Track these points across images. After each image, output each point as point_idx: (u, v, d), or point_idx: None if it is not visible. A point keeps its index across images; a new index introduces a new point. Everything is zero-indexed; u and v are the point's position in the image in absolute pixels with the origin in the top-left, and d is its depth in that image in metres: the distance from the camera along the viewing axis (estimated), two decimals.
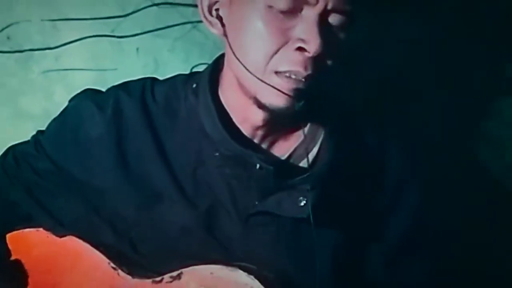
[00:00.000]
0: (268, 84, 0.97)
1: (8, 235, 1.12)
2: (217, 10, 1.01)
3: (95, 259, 1.08)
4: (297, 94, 0.96)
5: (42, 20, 1.36)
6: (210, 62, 1.09)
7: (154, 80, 1.13)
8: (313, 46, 0.94)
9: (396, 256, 1.12)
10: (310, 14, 0.94)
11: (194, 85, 1.08)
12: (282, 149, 1.07)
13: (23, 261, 1.12)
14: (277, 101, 0.97)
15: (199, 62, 1.31)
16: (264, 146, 1.07)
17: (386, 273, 1.11)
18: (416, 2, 1.34)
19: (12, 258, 1.11)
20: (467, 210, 1.34)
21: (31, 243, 1.12)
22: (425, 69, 1.36)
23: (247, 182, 1.03)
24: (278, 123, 1.04)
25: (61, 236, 1.10)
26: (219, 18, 1.01)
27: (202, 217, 1.04)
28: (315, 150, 1.07)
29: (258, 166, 1.01)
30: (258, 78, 0.97)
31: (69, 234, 1.10)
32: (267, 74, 0.97)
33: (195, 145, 1.06)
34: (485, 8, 1.37)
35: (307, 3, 0.94)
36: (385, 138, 1.14)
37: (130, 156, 1.06)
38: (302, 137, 1.07)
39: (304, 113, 1.01)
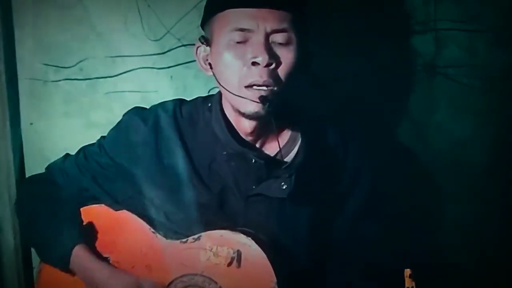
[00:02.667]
0: (242, 97, 1.03)
1: (82, 209, 1.18)
2: (207, 60, 1.08)
3: (140, 226, 1.13)
4: (263, 99, 1.02)
5: (105, 56, 1.39)
6: None
7: (182, 100, 1.19)
8: (262, 58, 1.00)
9: (354, 222, 1.17)
10: (256, 38, 1.01)
11: (209, 104, 1.15)
12: (272, 149, 1.13)
13: (91, 227, 1.17)
14: (250, 108, 1.03)
15: (214, 87, 1.33)
16: (258, 146, 1.12)
17: (348, 232, 1.16)
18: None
19: (84, 224, 1.16)
20: (402, 188, 1.38)
21: (97, 214, 1.17)
22: (373, 90, 1.39)
23: (246, 172, 1.10)
24: (263, 128, 1.09)
25: (116, 210, 1.16)
26: (210, 65, 1.08)
27: (215, 197, 1.12)
28: (295, 150, 1.12)
29: (253, 160, 1.08)
30: (234, 94, 1.03)
31: (122, 209, 1.16)
32: (240, 90, 1.03)
33: (209, 146, 1.12)
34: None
35: (252, 32, 1.01)
36: (345, 140, 1.18)
37: (164, 154, 1.13)
38: (286, 140, 1.13)
39: (278, 118, 1.04)
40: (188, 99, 1.21)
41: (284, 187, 1.07)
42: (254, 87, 1.02)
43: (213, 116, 1.12)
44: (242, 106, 1.05)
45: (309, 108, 1.17)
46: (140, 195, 1.14)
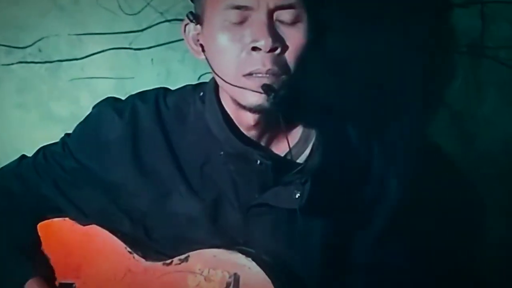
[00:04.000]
0: (240, 87, 1.00)
1: (39, 224, 1.16)
2: (198, 40, 1.06)
3: (113, 245, 1.12)
4: (266, 89, 0.98)
5: (69, 34, 1.38)
6: None
7: (166, 89, 1.15)
8: (264, 42, 0.97)
9: (379, 242, 1.15)
10: (256, 17, 0.98)
11: (201, 93, 1.11)
12: (280, 149, 1.10)
13: (52, 246, 1.15)
14: (252, 100, 1.00)
15: (206, 72, 1.30)
16: (263, 144, 1.09)
17: (371, 255, 1.14)
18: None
19: (42, 244, 1.14)
20: (439, 201, 1.37)
21: (58, 230, 1.15)
22: (403, 76, 1.38)
23: (248, 177, 1.06)
24: (269, 122, 1.06)
25: (84, 225, 1.13)
26: (201, 46, 1.05)
27: (208, 209, 1.07)
28: (308, 150, 1.09)
29: (258, 161, 1.04)
30: (231, 84, 1.00)
31: (91, 223, 1.13)
32: (238, 79, 1.00)
33: (202, 145, 1.09)
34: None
35: (251, 9, 0.98)
36: (368, 139, 1.16)
37: (144, 155, 1.09)
38: (297, 139, 1.10)
39: (287, 112, 1.02)
40: (173, 88, 1.18)
41: (296, 196, 1.04)
42: (255, 74, 0.99)
43: (207, 108, 1.09)
44: (242, 98, 1.02)
45: (324, 99, 1.15)
46: (114, 205, 1.12)
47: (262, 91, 0.99)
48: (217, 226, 1.08)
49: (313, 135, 1.10)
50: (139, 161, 1.10)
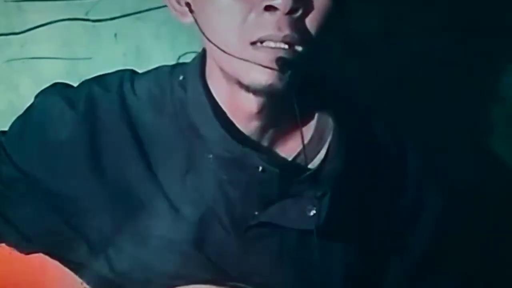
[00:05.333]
0: (246, 60, 0.95)
1: None
2: None
3: (66, 279, 1.07)
4: (281, 64, 0.94)
5: (5, 0, 1.34)
6: (199, 50, 1.07)
7: (133, 72, 1.11)
8: (281, 0, 0.93)
9: (419, 271, 1.12)
10: None
11: (181, 77, 1.07)
12: (286, 150, 1.06)
13: None
14: (261, 77, 0.96)
15: (187, 51, 1.29)
16: (265, 143, 1.06)
17: None
18: None
19: None
20: (495, 214, 1.36)
21: None
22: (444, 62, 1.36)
23: (246, 188, 1.02)
24: (275, 111, 1.03)
25: (27, 253, 1.07)
26: (188, 5, 1.02)
27: (192, 230, 1.03)
28: (323, 151, 1.06)
29: (260, 168, 1.00)
30: (234, 56, 0.96)
31: (36, 251, 1.07)
32: (242, 48, 0.96)
33: (183, 146, 1.05)
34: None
35: None
36: (402, 139, 1.13)
37: (106, 160, 1.05)
38: (309, 137, 1.06)
39: (301, 98, 0.98)
40: (143, 71, 1.13)
41: (311, 213, 1.00)
42: (266, 43, 0.95)
43: (190, 96, 1.04)
44: (245, 75, 0.96)
45: (345, 84, 1.13)
46: (66, 227, 1.05)
47: (276, 67, 0.94)
48: (205, 253, 1.04)
49: (329, 131, 1.06)
50: (99, 168, 1.05)
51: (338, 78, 1.10)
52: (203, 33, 0.99)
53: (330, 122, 1.06)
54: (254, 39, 0.95)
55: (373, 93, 1.21)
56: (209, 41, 0.98)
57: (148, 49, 1.36)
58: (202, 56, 1.06)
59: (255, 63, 0.95)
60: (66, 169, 1.05)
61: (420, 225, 1.12)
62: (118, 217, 1.04)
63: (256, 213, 1.02)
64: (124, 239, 1.04)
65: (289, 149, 1.06)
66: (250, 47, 0.95)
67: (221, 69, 1.01)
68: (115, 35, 1.36)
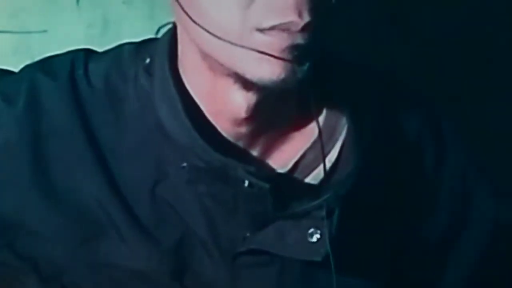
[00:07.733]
0: (250, 49, 0.81)
1: None
2: None
3: None
4: (298, 54, 0.83)
5: None
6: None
7: (88, 53, 0.98)
8: None
9: None
10: None
11: (148, 60, 0.94)
12: (281, 159, 0.94)
13: None
14: (270, 71, 0.82)
15: (169, 22, 1.15)
16: (254, 152, 0.93)
17: None
18: None
19: None
20: None
21: None
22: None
23: (232, 204, 0.90)
24: (272, 108, 0.91)
25: None
26: None
27: (167, 257, 0.91)
28: (333, 156, 0.92)
29: (247, 182, 0.87)
30: (234, 43, 0.83)
31: None
32: (246, 35, 0.82)
33: (151, 151, 0.92)
34: None
35: None
36: (439, 132, 1.01)
37: (54, 171, 0.92)
38: (313, 137, 0.93)
39: (316, 90, 0.90)
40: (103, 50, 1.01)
41: (314, 239, 0.90)
42: (277, 28, 0.84)
43: (157, 86, 0.93)
44: (250, 67, 0.84)
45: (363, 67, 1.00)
46: (11, 255, 0.95)
47: (290, 58, 0.82)
48: (183, 285, 0.93)
49: (338, 134, 0.95)
50: (45, 180, 0.93)
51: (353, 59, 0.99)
52: (184, 10, 0.85)
53: (342, 121, 0.94)
54: (265, 26, 0.82)
55: (408, 76, 1.09)
56: (194, 22, 0.85)
57: (118, 20, 1.25)
58: (173, 34, 0.92)
59: (264, 53, 0.81)
60: (4, 183, 0.93)
61: (462, 246, 1.02)
62: (73, 242, 0.93)
63: (248, 234, 0.90)
64: (81, 270, 0.93)
65: (283, 158, 0.94)
66: (257, 33, 0.82)
67: (206, 56, 0.87)
68: (77, 1, 1.25)
